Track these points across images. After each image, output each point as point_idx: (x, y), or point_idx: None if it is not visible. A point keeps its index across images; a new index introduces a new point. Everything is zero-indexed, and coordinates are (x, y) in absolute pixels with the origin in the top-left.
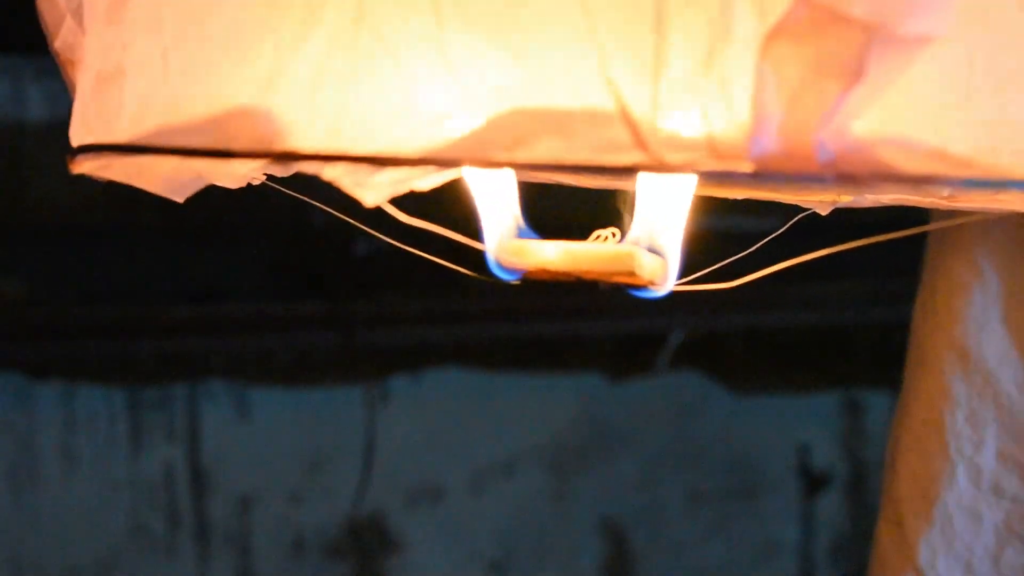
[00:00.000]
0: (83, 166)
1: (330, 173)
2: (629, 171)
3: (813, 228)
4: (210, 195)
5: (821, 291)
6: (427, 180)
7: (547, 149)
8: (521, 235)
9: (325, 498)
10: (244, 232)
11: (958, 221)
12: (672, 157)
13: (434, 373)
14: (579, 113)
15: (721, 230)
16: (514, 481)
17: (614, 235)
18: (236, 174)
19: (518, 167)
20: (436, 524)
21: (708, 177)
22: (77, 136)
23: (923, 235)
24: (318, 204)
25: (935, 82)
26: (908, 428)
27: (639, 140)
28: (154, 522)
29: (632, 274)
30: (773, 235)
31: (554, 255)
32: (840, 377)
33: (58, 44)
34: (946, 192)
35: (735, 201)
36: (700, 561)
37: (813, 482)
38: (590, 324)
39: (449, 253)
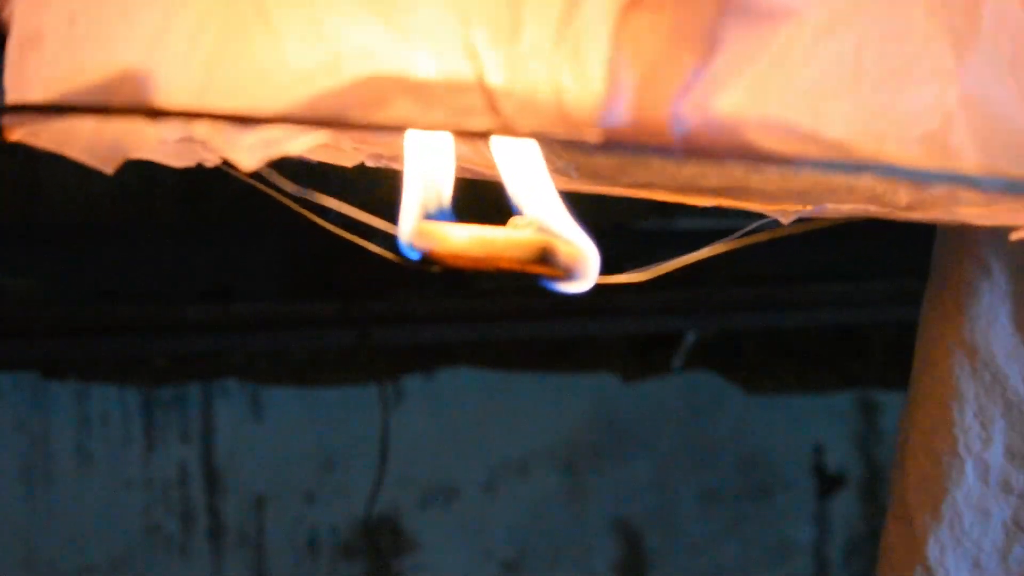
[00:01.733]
0: (15, 133)
1: (199, 131)
2: (480, 135)
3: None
4: (224, 194)
5: (836, 291)
6: (296, 144)
7: (403, 111)
8: (439, 218)
9: (339, 497)
10: (258, 231)
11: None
12: (522, 123)
13: (448, 372)
14: (436, 76)
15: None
16: (528, 481)
17: (531, 224)
18: (149, 141)
19: (372, 128)
20: (450, 524)
21: (560, 144)
22: (7, 100)
23: (933, 232)
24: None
25: (820, 67)
26: (916, 425)
27: (492, 105)
28: (168, 522)
29: (546, 263)
30: (726, 239)
31: (464, 240)
32: (855, 377)
33: (5, 14)
34: (903, 202)
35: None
36: (714, 561)
37: (828, 482)
38: (605, 324)
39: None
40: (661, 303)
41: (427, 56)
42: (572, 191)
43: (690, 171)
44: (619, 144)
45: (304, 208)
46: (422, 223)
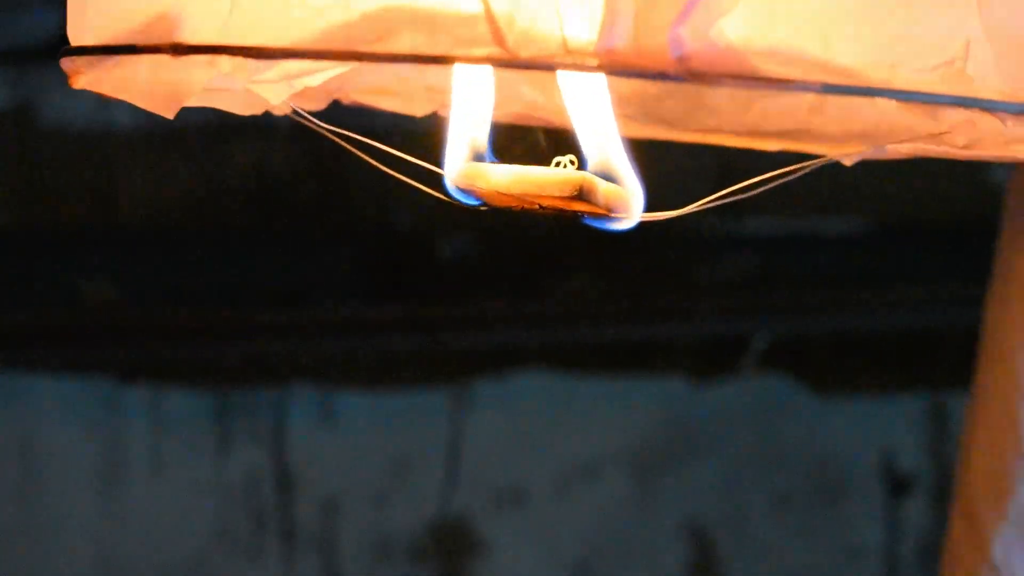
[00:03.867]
0: (79, 81)
1: (223, 67)
2: (484, 62)
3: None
4: (294, 198)
5: (908, 294)
6: (316, 76)
7: (410, 41)
8: (484, 159)
9: (410, 501)
10: (329, 235)
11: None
12: (525, 51)
13: (518, 376)
14: (442, 7)
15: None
16: (598, 484)
17: (573, 162)
18: (197, 87)
19: (377, 59)
20: (520, 527)
21: (628, 90)
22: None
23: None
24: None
25: None
26: (981, 423)
27: (497, 35)
28: (240, 525)
29: (586, 199)
30: (775, 173)
31: (505, 177)
32: (927, 380)
33: None
34: (960, 142)
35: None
36: (785, 564)
37: (898, 486)
38: (674, 327)
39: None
40: (731, 306)
41: None
42: (642, 138)
43: (753, 115)
44: (618, 69)
45: (358, 149)
46: (465, 164)
